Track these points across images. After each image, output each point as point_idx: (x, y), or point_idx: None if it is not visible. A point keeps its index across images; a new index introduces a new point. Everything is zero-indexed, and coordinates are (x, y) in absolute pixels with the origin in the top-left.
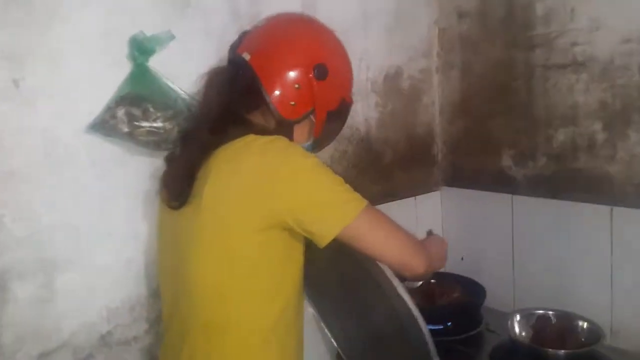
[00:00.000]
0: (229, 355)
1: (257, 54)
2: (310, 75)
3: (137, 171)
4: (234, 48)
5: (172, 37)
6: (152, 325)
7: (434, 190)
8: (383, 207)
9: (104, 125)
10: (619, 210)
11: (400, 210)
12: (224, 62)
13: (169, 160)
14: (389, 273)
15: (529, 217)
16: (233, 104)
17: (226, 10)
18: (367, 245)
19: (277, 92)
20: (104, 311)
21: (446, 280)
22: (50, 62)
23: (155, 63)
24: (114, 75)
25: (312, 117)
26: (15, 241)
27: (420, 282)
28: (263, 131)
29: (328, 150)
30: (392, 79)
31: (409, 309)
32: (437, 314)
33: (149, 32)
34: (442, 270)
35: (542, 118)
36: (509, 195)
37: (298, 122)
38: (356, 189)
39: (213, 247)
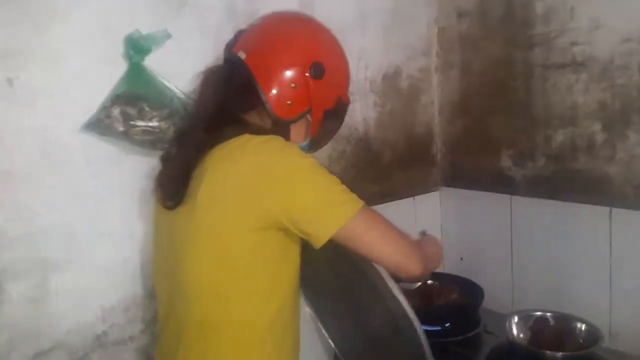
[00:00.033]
0: (224, 355)
1: (253, 52)
2: (307, 74)
3: (133, 170)
4: (230, 47)
5: (168, 36)
6: (148, 325)
7: (433, 191)
8: (382, 207)
9: (99, 125)
10: (618, 212)
11: (399, 210)
12: (221, 61)
13: (164, 159)
14: (385, 274)
15: (527, 218)
16: (229, 103)
17: (222, 9)
18: (363, 246)
19: (273, 92)
20: (100, 311)
21: (444, 281)
22: (45, 61)
23: (151, 62)
24: (109, 74)
25: (308, 116)
26: (10, 241)
27: (418, 284)
28: (259, 131)
29: (326, 150)
30: (390, 78)
31: (404, 311)
32: (435, 315)
33: (145, 31)
34: (440, 270)
35: (541, 118)
36: (508, 196)
37: (294, 121)
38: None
39: (208, 246)
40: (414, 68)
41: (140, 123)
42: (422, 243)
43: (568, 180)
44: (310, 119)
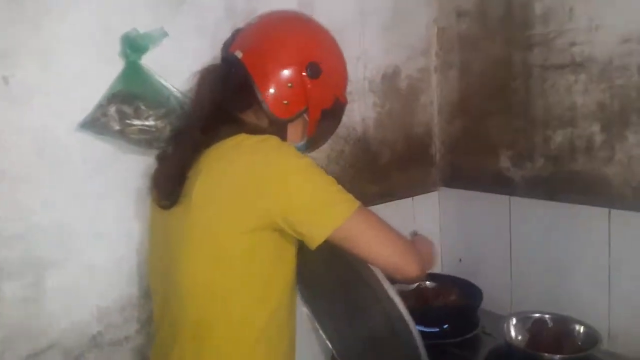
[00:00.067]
0: (219, 355)
1: (250, 52)
2: (304, 73)
3: (129, 169)
4: (227, 46)
5: (165, 35)
6: (144, 326)
7: (431, 191)
8: (380, 208)
9: (95, 124)
10: (616, 213)
11: (397, 210)
12: (218, 60)
13: (160, 159)
14: (381, 276)
15: (526, 219)
16: (225, 102)
17: (221, 7)
18: (359, 247)
19: (269, 91)
20: (95, 311)
21: (443, 282)
22: (41, 59)
23: (149, 60)
24: (106, 73)
25: (305, 116)
26: (4, 240)
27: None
28: (255, 130)
29: (324, 150)
30: (390, 78)
31: (400, 313)
32: (433, 316)
33: (142, 29)
34: (439, 271)
35: (540, 119)
36: (507, 197)
37: (291, 121)
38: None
39: (203, 246)
40: (413, 68)
41: (136, 122)
42: (416, 244)
43: (567, 181)
44: (307, 119)
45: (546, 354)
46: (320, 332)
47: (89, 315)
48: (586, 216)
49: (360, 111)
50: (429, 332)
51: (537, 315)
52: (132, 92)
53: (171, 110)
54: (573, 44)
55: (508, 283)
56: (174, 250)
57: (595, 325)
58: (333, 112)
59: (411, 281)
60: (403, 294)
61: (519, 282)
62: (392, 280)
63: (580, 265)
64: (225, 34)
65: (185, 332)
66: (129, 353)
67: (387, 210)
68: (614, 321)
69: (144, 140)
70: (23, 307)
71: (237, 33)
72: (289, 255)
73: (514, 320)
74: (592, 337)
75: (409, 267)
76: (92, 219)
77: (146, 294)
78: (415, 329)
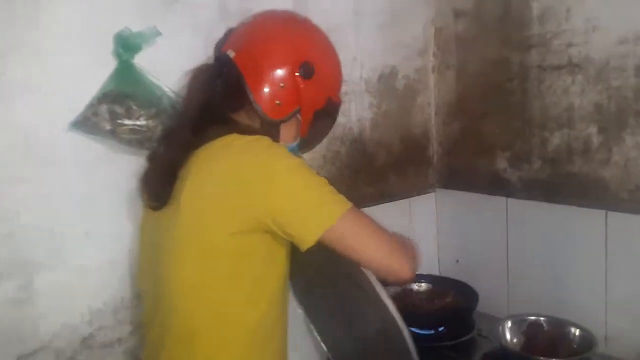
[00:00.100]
0: (208, 357)
1: (242, 51)
2: (296, 73)
3: (121, 170)
4: (220, 45)
5: (158, 34)
6: (137, 328)
7: (428, 192)
8: (377, 209)
9: (86, 123)
10: (613, 215)
11: (394, 212)
12: (212, 60)
13: (150, 159)
14: (373, 278)
15: (523, 221)
16: (217, 102)
17: (215, 6)
18: (351, 249)
19: (261, 91)
20: (87, 313)
21: (439, 284)
22: (31, 58)
23: (142, 60)
24: (98, 72)
25: (298, 116)
26: None
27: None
28: (247, 130)
29: (320, 151)
30: (386, 78)
31: (392, 316)
32: (429, 318)
33: (135, 29)
34: (435, 273)
35: (537, 120)
36: (504, 198)
37: (284, 121)
38: (349, 190)
39: (192, 247)
40: (411, 68)
41: (127, 122)
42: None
43: (564, 183)
44: (300, 119)
45: (542, 357)
46: (315, 334)
47: (80, 317)
48: (583, 218)
49: (357, 112)
50: (424, 334)
51: (532, 318)
52: (123, 92)
53: (163, 110)
54: (570, 45)
55: (505, 285)
56: (163, 251)
57: (592, 328)
58: (327, 113)
59: (403, 282)
60: (399, 296)
61: (516, 284)
62: (384, 283)
63: (576, 268)
64: (219, 33)
65: (175, 334)
66: (121, 355)
67: (384, 212)
68: (611, 324)
69: (135, 140)
70: (13, 309)
71: (229, 33)
72: (281, 257)
73: (509, 323)
74: (587, 340)
75: (401, 268)
76: (83, 219)
77: (139, 296)
78: (407, 332)
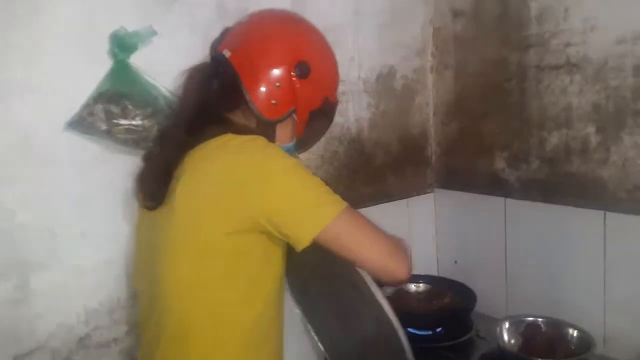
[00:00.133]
0: (203, 356)
1: (238, 51)
2: (292, 73)
3: (117, 170)
4: (216, 45)
5: (154, 33)
6: (133, 327)
7: (427, 193)
8: (375, 209)
9: (81, 123)
10: (612, 216)
11: (392, 212)
12: (209, 59)
13: (146, 159)
14: (368, 279)
15: (521, 221)
16: (213, 102)
17: (212, 6)
18: (347, 249)
19: (257, 91)
20: (83, 313)
21: (437, 284)
22: (27, 58)
23: (138, 59)
24: (94, 71)
25: (294, 116)
26: None
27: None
28: (243, 130)
29: (318, 151)
30: (385, 78)
31: (387, 317)
32: (427, 319)
33: (131, 28)
34: (434, 274)
35: (535, 120)
36: (502, 199)
37: (280, 121)
38: (347, 190)
39: (186, 247)
40: (409, 68)
41: (123, 121)
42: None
43: (562, 184)
44: (296, 119)
45: (539, 359)
46: (312, 334)
47: (76, 317)
48: (581, 219)
49: (355, 112)
50: (422, 335)
51: (530, 319)
52: (119, 92)
53: (159, 110)
54: (568, 45)
55: (503, 285)
56: (158, 250)
57: (591, 329)
58: (323, 113)
59: (399, 283)
60: (397, 296)
61: (514, 285)
62: (380, 283)
63: (575, 268)
64: (217, 32)
65: (169, 333)
66: (117, 355)
67: (382, 212)
68: (610, 325)
69: (131, 140)
70: (9, 309)
71: (226, 32)
72: (276, 257)
73: (506, 324)
74: (585, 342)
75: (398, 269)
76: (79, 219)
77: (135, 296)
78: (402, 332)
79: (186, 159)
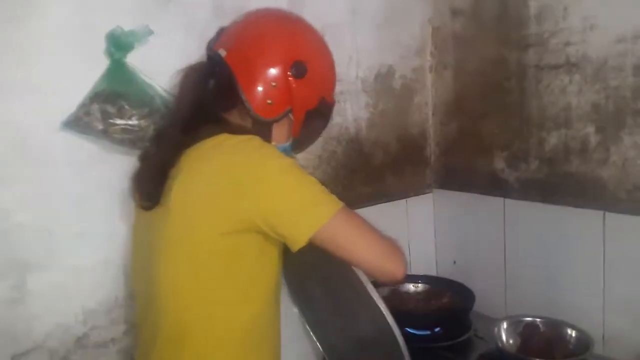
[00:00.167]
0: (198, 357)
1: (234, 50)
2: (288, 73)
3: (114, 170)
4: (212, 44)
5: (150, 33)
6: (130, 327)
7: (426, 193)
8: (373, 209)
9: (78, 123)
10: (611, 216)
11: (391, 212)
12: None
13: (142, 158)
14: (364, 279)
15: (521, 221)
16: (209, 101)
17: (209, 5)
18: (343, 249)
19: (253, 90)
20: (80, 313)
21: (436, 284)
22: (23, 57)
23: (135, 59)
24: (91, 71)
25: (290, 116)
26: None
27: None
28: (239, 130)
29: (316, 151)
30: (383, 78)
31: (383, 317)
32: (425, 319)
33: (128, 27)
34: (433, 274)
35: (534, 120)
36: (501, 199)
37: (276, 121)
38: (345, 190)
39: (181, 247)
40: (408, 68)
41: (119, 121)
42: None
43: (561, 184)
44: (292, 119)
45: (537, 359)
46: (311, 333)
47: (74, 316)
48: (580, 219)
49: (353, 111)
50: (420, 335)
51: (528, 319)
52: (115, 91)
53: (155, 109)
54: (568, 44)
55: (502, 285)
56: (154, 250)
57: (590, 329)
58: (319, 113)
59: (395, 283)
60: (396, 296)
61: (513, 285)
62: (376, 283)
63: (574, 268)
64: (213, 32)
65: (165, 334)
66: (115, 355)
67: (381, 212)
68: (609, 325)
69: (128, 139)
70: (6, 309)
71: (222, 31)
72: (273, 257)
73: (505, 325)
74: (584, 342)
75: (395, 269)
76: (76, 219)
77: (132, 296)
78: (399, 333)
79: (182, 159)
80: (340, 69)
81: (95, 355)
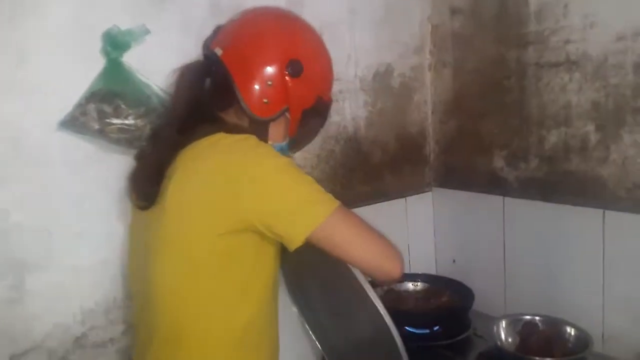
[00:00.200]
0: (194, 357)
1: (229, 49)
2: (284, 71)
3: (111, 169)
4: (208, 43)
5: (147, 32)
6: (129, 327)
7: (425, 191)
8: (372, 208)
9: (74, 122)
10: (611, 214)
11: (390, 211)
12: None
13: (138, 158)
14: (361, 278)
15: (520, 220)
16: (205, 100)
17: (206, 3)
18: (339, 248)
19: (249, 89)
20: (79, 313)
21: (435, 283)
22: (19, 57)
23: (131, 58)
24: (87, 70)
25: (287, 115)
26: None
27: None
28: (235, 129)
29: (314, 150)
30: (382, 76)
31: (381, 317)
32: (424, 318)
33: (124, 27)
34: (432, 273)
35: (534, 118)
36: (501, 197)
37: (273, 120)
38: (344, 189)
39: (177, 248)
40: (406, 66)
41: (115, 121)
42: None
43: (561, 182)
44: (289, 118)
45: (537, 358)
46: (310, 333)
47: (72, 316)
48: (580, 217)
49: (351, 110)
50: (419, 333)
51: (527, 317)
52: (112, 91)
53: (151, 109)
54: (568, 42)
55: (502, 284)
56: (150, 251)
57: (590, 328)
58: (316, 112)
59: (392, 282)
60: (395, 295)
61: (513, 283)
62: (374, 283)
63: (574, 267)
64: (210, 30)
65: (162, 335)
66: (114, 355)
67: (380, 211)
68: (609, 323)
69: (124, 139)
70: (4, 309)
71: (218, 30)
72: (269, 257)
73: (504, 323)
74: (583, 340)
75: (393, 268)
76: (74, 219)
77: (130, 296)
78: (396, 332)
79: (178, 158)
80: (339, 67)
81: (94, 355)
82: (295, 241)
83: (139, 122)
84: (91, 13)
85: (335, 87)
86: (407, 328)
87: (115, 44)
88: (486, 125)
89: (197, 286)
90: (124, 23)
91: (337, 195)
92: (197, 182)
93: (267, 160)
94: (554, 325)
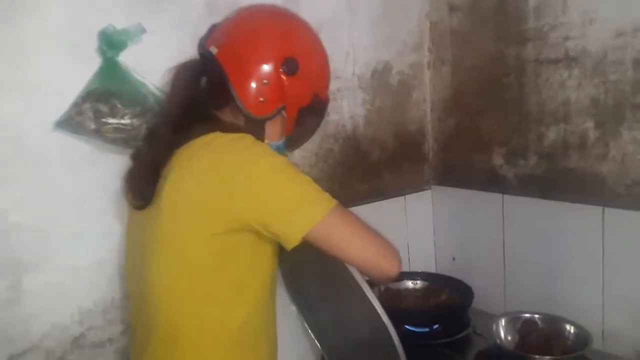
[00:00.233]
0: (191, 357)
1: (225, 47)
2: (280, 69)
3: (108, 169)
4: (203, 41)
5: (143, 31)
6: (127, 327)
7: (424, 189)
8: (371, 207)
9: (70, 122)
10: (610, 211)
11: (389, 209)
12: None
13: (134, 157)
14: (359, 277)
15: (519, 217)
16: (201, 99)
17: (202, 2)
18: (337, 247)
19: (244, 88)
20: (77, 313)
21: (434, 281)
22: (14, 56)
23: (128, 57)
24: (83, 70)
25: (283, 113)
26: None
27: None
28: (231, 128)
29: (313, 148)
30: (380, 74)
31: (378, 316)
32: (424, 316)
33: (120, 26)
34: (432, 271)
35: (533, 115)
36: (500, 195)
37: (269, 118)
38: (342, 187)
39: (173, 249)
40: (405, 64)
41: (111, 120)
42: None
43: (560, 179)
44: (285, 117)
45: (536, 356)
46: (310, 332)
47: (70, 317)
48: (579, 214)
49: (350, 108)
50: (419, 332)
51: (527, 315)
52: (108, 90)
53: (148, 108)
54: (567, 38)
55: (501, 282)
56: (146, 250)
57: (589, 325)
58: (313, 110)
59: (389, 280)
60: (394, 293)
61: (512, 281)
62: (371, 282)
63: (573, 264)
64: (207, 29)
65: (158, 334)
66: (112, 355)
67: (379, 210)
68: (608, 321)
69: (120, 139)
70: (2, 309)
71: (213, 28)
72: (266, 256)
73: (503, 321)
74: (582, 338)
75: (391, 267)
76: (71, 219)
77: (128, 295)
78: (394, 331)
79: (174, 158)
80: (337, 65)
81: (92, 355)
82: (292, 240)
83: (135, 121)
84: (87, 12)
85: (334, 85)
86: (406, 326)
87: (111, 43)
88: (485, 123)
89: (192, 286)
90: (120, 22)
91: (335, 194)
92: (191, 182)
93: (264, 159)
94: (554, 323)
